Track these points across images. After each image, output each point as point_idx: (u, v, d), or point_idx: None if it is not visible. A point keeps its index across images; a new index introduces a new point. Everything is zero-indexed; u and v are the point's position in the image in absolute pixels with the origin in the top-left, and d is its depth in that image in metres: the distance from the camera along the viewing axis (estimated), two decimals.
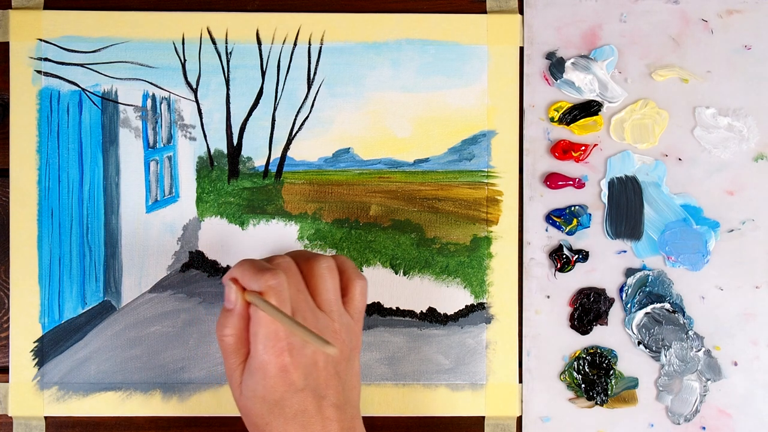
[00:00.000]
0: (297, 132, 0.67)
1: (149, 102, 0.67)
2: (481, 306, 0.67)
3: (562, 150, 0.67)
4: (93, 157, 0.67)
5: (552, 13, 0.68)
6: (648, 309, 0.67)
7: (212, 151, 0.67)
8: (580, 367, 0.67)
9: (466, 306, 0.67)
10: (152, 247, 0.67)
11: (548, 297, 0.68)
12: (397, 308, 0.67)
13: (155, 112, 0.67)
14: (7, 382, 0.66)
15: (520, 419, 0.68)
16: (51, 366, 0.66)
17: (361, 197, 0.67)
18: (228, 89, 0.67)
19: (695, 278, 0.68)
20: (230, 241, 0.67)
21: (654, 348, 0.67)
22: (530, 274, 0.68)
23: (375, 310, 0.67)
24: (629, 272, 0.68)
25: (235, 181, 0.67)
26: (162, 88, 0.67)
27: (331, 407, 0.55)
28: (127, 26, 0.67)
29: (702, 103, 0.68)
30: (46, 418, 0.67)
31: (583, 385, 0.67)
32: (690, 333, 0.67)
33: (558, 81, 0.68)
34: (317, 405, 0.54)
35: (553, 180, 0.67)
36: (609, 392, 0.67)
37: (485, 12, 0.68)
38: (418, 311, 0.67)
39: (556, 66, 0.68)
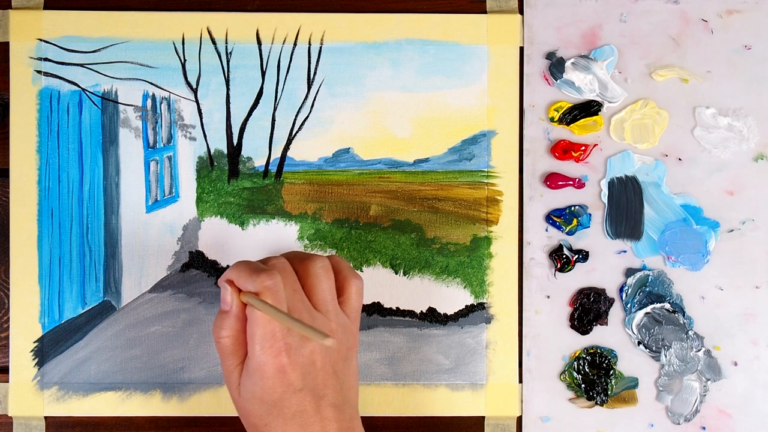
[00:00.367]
0: (297, 132, 0.67)
1: (149, 102, 0.67)
2: (481, 306, 0.67)
3: (562, 150, 0.67)
4: (93, 157, 0.67)
5: (552, 13, 0.68)
6: (648, 309, 0.67)
7: (212, 151, 0.67)
8: (580, 367, 0.67)
9: (466, 306, 0.67)
10: (152, 247, 0.67)
11: (548, 297, 0.68)
12: (397, 308, 0.67)
13: (155, 112, 0.67)
14: (7, 382, 0.66)
15: (520, 419, 0.68)
16: (51, 366, 0.66)
17: (361, 197, 0.67)
18: (228, 89, 0.67)
19: (695, 278, 0.68)
20: (230, 241, 0.67)
21: (654, 348, 0.67)
22: (530, 274, 0.68)
23: (375, 310, 0.67)
24: (629, 272, 0.68)
25: (235, 181, 0.67)
26: (162, 88, 0.67)
27: (330, 407, 0.55)
28: (127, 26, 0.67)
29: (702, 103, 0.68)
30: (46, 418, 0.67)
31: (583, 385, 0.67)
32: (690, 333, 0.67)
33: (558, 81, 0.68)
34: (316, 405, 0.54)
35: (553, 180, 0.67)
36: (609, 392, 0.67)
37: (485, 12, 0.68)
38: (418, 311, 0.67)
39: (556, 66, 0.68)
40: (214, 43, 0.67)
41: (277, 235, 0.67)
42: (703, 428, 0.68)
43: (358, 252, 0.67)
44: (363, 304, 0.65)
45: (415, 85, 0.67)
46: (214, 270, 0.67)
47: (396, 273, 0.67)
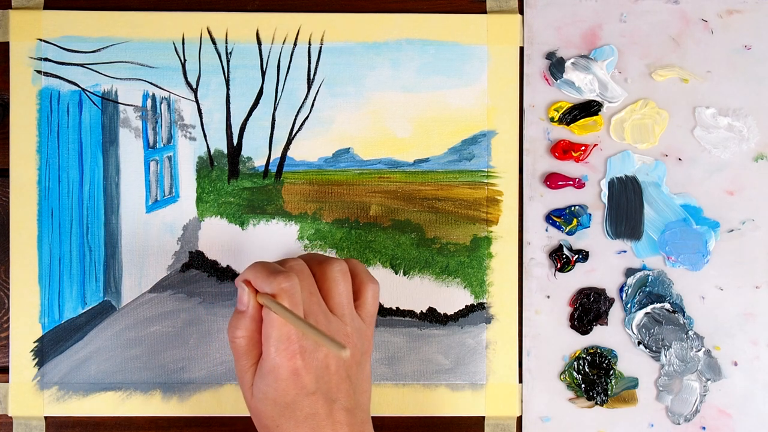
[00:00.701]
0: (297, 132, 0.67)
1: (149, 102, 0.67)
2: (481, 306, 0.67)
3: (562, 150, 0.67)
4: (93, 157, 0.67)
5: (552, 13, 0.68)
6: (648, 309, 0.67)
7: (212, 151, 0.67)
8: (580, 367, 0.67)
9: (466, 306, 0.67)
10: (152, 247, 0.67)
11: (548, 297, 0.68)
12: (397, 308, 0.67)
13: (155, 112, 0.67)
14: (7, 382, 0.66)
15: (520, 419, 0.68)
16: (51, 366, 0.66)
17: (361, 197, 0.67)
18: (228, 89, 0.67)
19: (695, 278, 0.68)
20: (230, 241, 0.67)
21: (654, 348, 0.67)
22: (530, 274, 0.68)
23: None
24: (629, 272, 0.68)
25: (235, 181, 0.67)
26: (162, 88, 0.67)
27: (342, 411, 0.55)
28: (127, 26, 0.67)
29: (702, 103, 0.68)
30: (46, 418, 0.67)
31: (583, 385, 0.67)
32: (690, 333, 0.67)
33: (558, 81, 0.68)
34: (328, 408, 0.54)
35: (553, 180, 0.67)
36: (609, 392, 0.67)
37: (485, 12, 0.68)
38: (418, 311, 0.67)
39: (556, 66, 0.68)
40: (214, 43, 0.67)
41: (277, 235, 0.67)
42: (703, 428, 0.68)
43: (358, 252, 0.67)
44: None
45: (415, 85, 0.67)
46: (214, 270, 0.67)
47: (396, 273, 0.67)
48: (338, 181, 0.67)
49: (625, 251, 0.68)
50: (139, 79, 0.67)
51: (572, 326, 0.68)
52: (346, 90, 0.67)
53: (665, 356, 0.67)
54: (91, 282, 0.67)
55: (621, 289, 0.68)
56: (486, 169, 0.67)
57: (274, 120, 0.67)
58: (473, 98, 0.67)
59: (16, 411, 0.66)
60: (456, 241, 0.67)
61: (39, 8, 0.67)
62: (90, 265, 0.67)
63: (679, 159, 0.68)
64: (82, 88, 0.67)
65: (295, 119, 0.67)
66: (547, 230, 0.68)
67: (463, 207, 0.67)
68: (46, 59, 0.66)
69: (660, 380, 0.68)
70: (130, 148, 0.67)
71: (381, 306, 0.67)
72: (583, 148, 0.68)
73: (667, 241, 0.67)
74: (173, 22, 0.67)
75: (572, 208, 0.68)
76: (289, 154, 0.67)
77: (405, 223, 0.68)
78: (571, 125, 0.68)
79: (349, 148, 0.67)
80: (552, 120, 0.68)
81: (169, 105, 0.67)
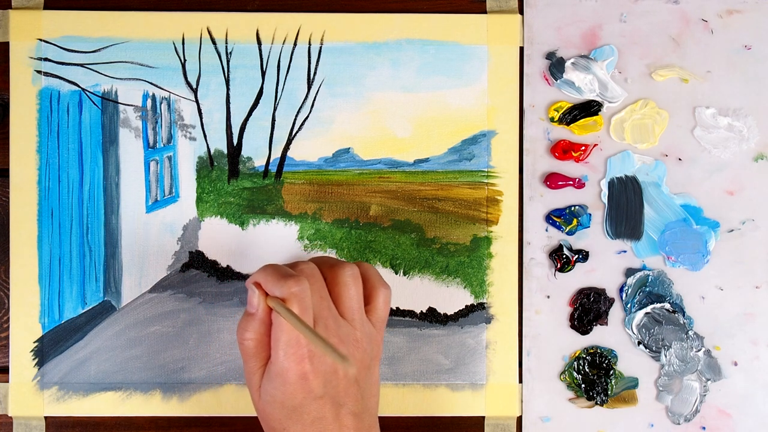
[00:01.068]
0: (297, 132, 0.67)
1: (149, 102, 0.67)
2: (481, 306, 0.67)
3: (562, 150, 0.67)
4: (93, 157, 0.67)
5: (552, 13, 0.68)
6: (648, 309, 0.67)
7: (212, 151, 0.67)
8: (580, 367, 0.67)
9: (466, 306, 0.67)
10: (152, 247, 0.67)
11: (548, 297, 0.68)
12: (397, 308, 0.67)
13: (155, 112, 0.67)
14: (7, 382, 0.66)
15: (520, 419, 0.68)
16: (51, 366, 0.66)
17: (361, 197, 0.67)
18: (228, 89, 0.67)
19: (695, 278, 0.68)
20: (230, 241, 0.67)
21: (654, 348, 0.67)
22: (530, 274, 0.68)
23: None
24: (629, 272, 0.68)
25: (235, 181, 0.67)
26: (162, 88, 0.67)
27: (349, 415, 0.54)
28: (127, 26, 0.67)
29: (702, 103, 0.68)
30: (46, 418, 0.67)
31: (583, 385, 0.67)
32: (690, 333, 0.67)
33: (558, 81, 0.68)
34: (335, 413, 0.54)
35: (553, 180, 0.67)
36: (609, 392, 0.67)
37: (485, 12, 0.68)
38: (418, 311, 0.67)
39: (556, 66, 0.68)
40: (214, 43, 0.67)
41: (277, 235, 0.67)
42: (703, 428, 0.68)
43: (358, 252, 0.67)
44: None
45: (415, 85, 0.67)
46: (214, 270, 0.67)
47: (396, 273, 0.67)
48: (338, 181, 0.67)
49: (625, 251, 0.68)
50: (139, 79, 0.67)
51: (572, 326, 0.68)
52: (346, 90, 0.67)
53: (665, 356, 0.67)
54: (91, 282, 0.67)
55: (621, 289, 0.68)
56: (486, 169, 0.67)
57: (274, 120, 0.67)
58: (473, 98, 0.67)
59: (16, 411, 0.66)
60: (456, 241, 0.67)
61: (39, 8, 0.67)
62: (90, 265, 0.67)
63: (679, 159, 0.68)
64: (82, 88, 0.67)
65: (295, 119, 0.67)
66: (547, 230, 0.68)
67: (463, 207, 0.67)
68: (46, 59, 0.66)
69: (660, 380, 0.68)
70: (130, 148, 0.67)
71: None
72: (583, 148, 0.68)
73: (667, 241, 0.67)
74: (173, 22, 0.67)
75: (572, 208, 0.68)
76: (289, 154, 0.67)
77: (405, 223, 0.68)
78: (571, 125, 0.68)
79: (349, 148, 0.67)
80: (552, 120, 0.68)
81: (169, 105, 0.67)
